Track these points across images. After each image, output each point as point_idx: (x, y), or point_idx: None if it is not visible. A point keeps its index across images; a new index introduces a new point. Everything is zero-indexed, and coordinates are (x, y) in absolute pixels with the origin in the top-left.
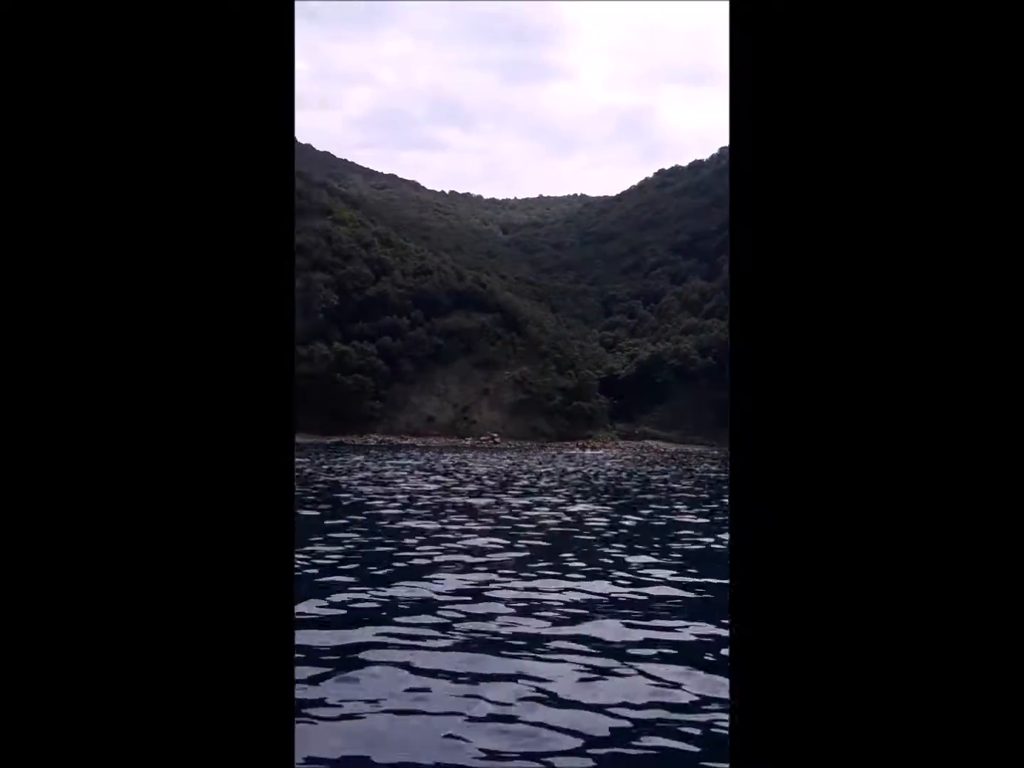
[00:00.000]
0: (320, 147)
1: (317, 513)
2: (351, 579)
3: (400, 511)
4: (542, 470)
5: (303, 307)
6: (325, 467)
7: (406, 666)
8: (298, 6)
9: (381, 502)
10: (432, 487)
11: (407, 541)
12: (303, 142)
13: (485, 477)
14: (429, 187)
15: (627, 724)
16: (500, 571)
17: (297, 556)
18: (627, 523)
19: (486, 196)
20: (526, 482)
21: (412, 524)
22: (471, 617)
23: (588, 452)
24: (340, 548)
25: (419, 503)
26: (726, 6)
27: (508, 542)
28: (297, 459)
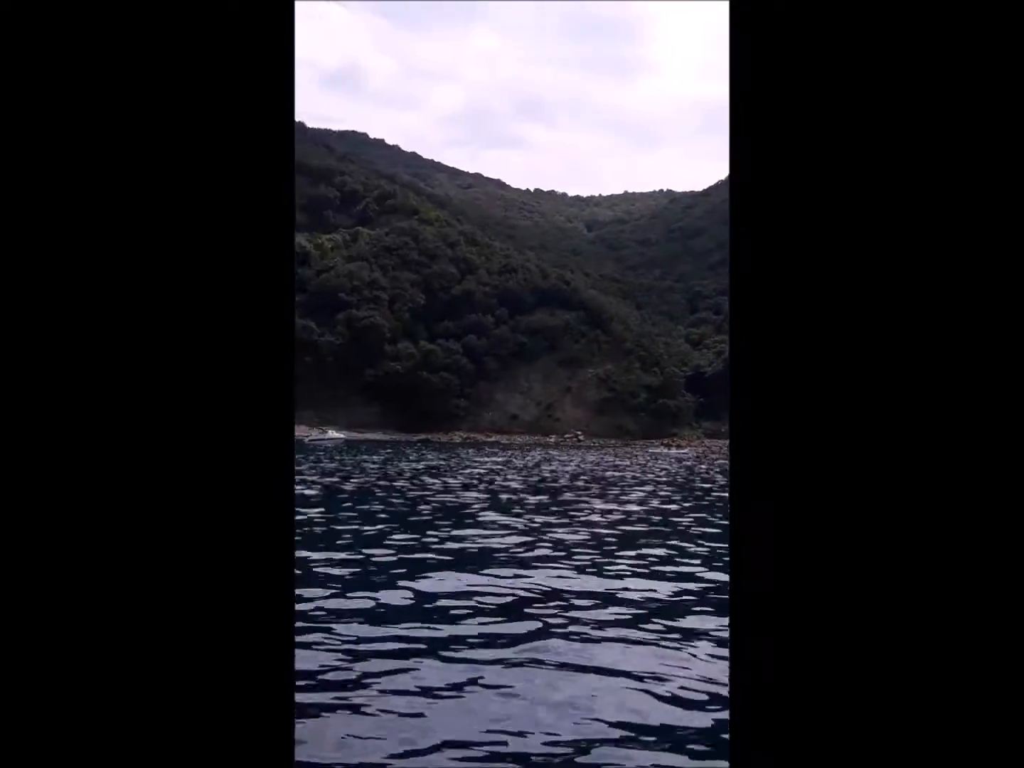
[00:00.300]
0: (407, 148)
1: (406, 509)
2: (435, 572)
3: (484, 506)
4: (625, 467)
5: (391, 306)
6: (411, 464)
7: (485, 658)
8: (382, 5)
9: (464, 498)
10: (517, 484)
11: (491, 536)
12: (391, 143)
13: (568, 475)
14: (514, 185)
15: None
16: (582, 567)
17: (379, 551)
18: (711, 521)
19: (571, 193)
20: (609, 479)
21: (497, 518)
22: (552, 613)
23: (673, 451)
24: (426, 543)
25: (504, 498)
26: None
27: (591, 538)
28: (380, 456)
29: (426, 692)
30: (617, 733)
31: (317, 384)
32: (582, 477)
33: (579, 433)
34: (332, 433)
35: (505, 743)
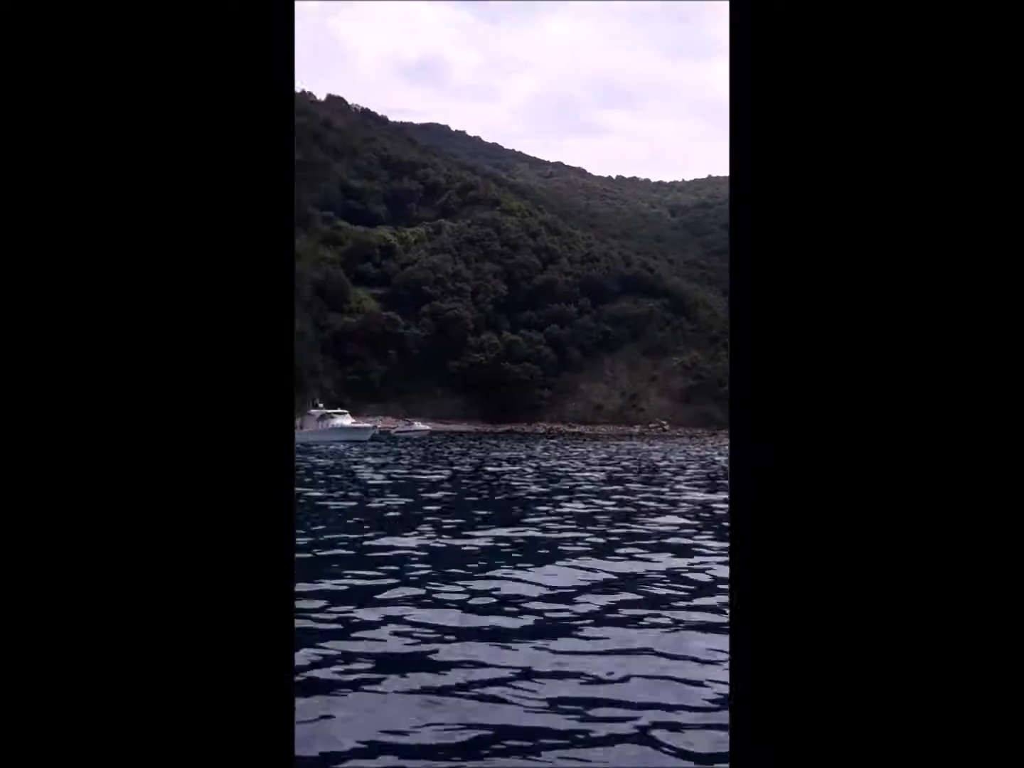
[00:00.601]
0: (488, 139)
1: (497, 499)
2: (534, 563)
3: (574, 496)
4: (715, 457)
5: (473, 298)
6: (496, 453)
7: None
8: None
9: (549, 488)
10: (606, 475)
11: (584, 526)
12: (472, 134)
13: (657, 465)
14: (595, 173)
15: None
16: (702, 555)
17: (476, 541)
18: None
19: (653, 179)
20: (694, 471)
21: (587, 509)
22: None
23: None
24: (521, 533)
25: (593, 488)
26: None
27: (692, 528)
28: (464, 446)
29: (512, 680)
30: None
31: (402, 376)
32: (670, 468)
33: (664, 423)
34: (418, 425)
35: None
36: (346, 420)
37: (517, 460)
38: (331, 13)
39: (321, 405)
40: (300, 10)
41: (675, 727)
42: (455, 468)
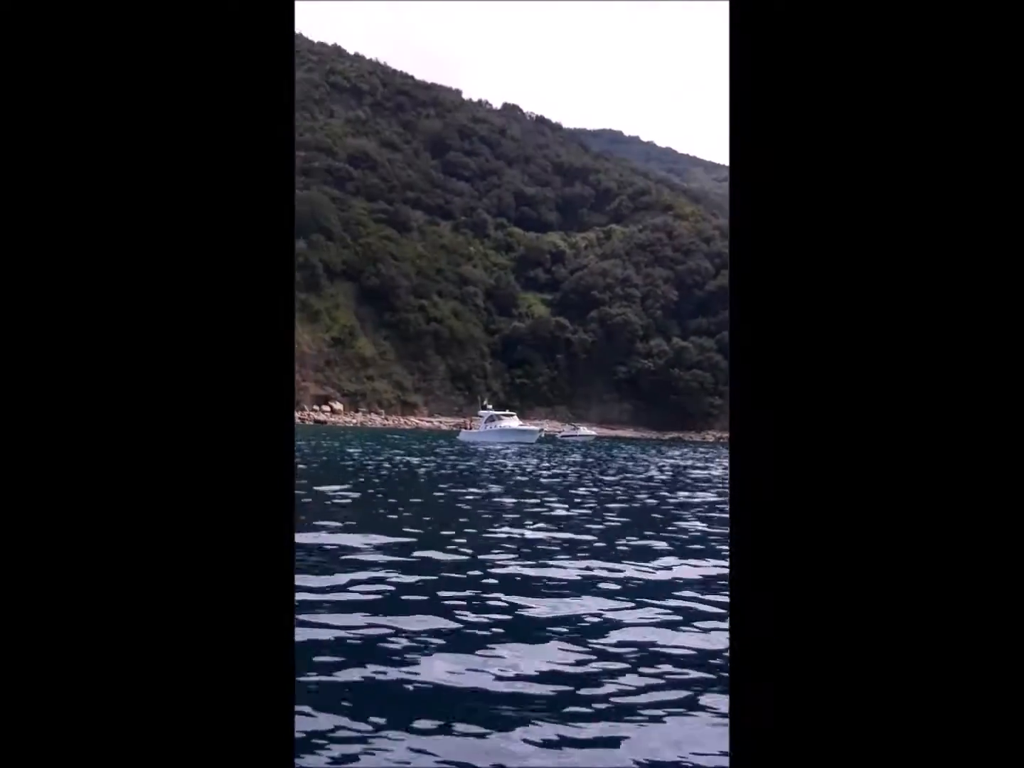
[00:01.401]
0: (662, 143)
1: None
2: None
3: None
4: None
5: (643, 303)
6: (661, 460)
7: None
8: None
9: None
10: None
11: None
12: (645, 139)
13: None
14: None
15: None
16: None
17: (564, 535)
18: None
19: None
20: None
21: None
22: None
23: None
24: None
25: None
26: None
27: None
28: (629, 452)
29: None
30: None
31: (569, 380)
32: None
33: None
34: (583, 430)
35: None
36: (514, 422)
37: (684, 467)
38: (506, 22)
39: (490, 407)
40: (470, 19)
41: None
42: (618, 471)
